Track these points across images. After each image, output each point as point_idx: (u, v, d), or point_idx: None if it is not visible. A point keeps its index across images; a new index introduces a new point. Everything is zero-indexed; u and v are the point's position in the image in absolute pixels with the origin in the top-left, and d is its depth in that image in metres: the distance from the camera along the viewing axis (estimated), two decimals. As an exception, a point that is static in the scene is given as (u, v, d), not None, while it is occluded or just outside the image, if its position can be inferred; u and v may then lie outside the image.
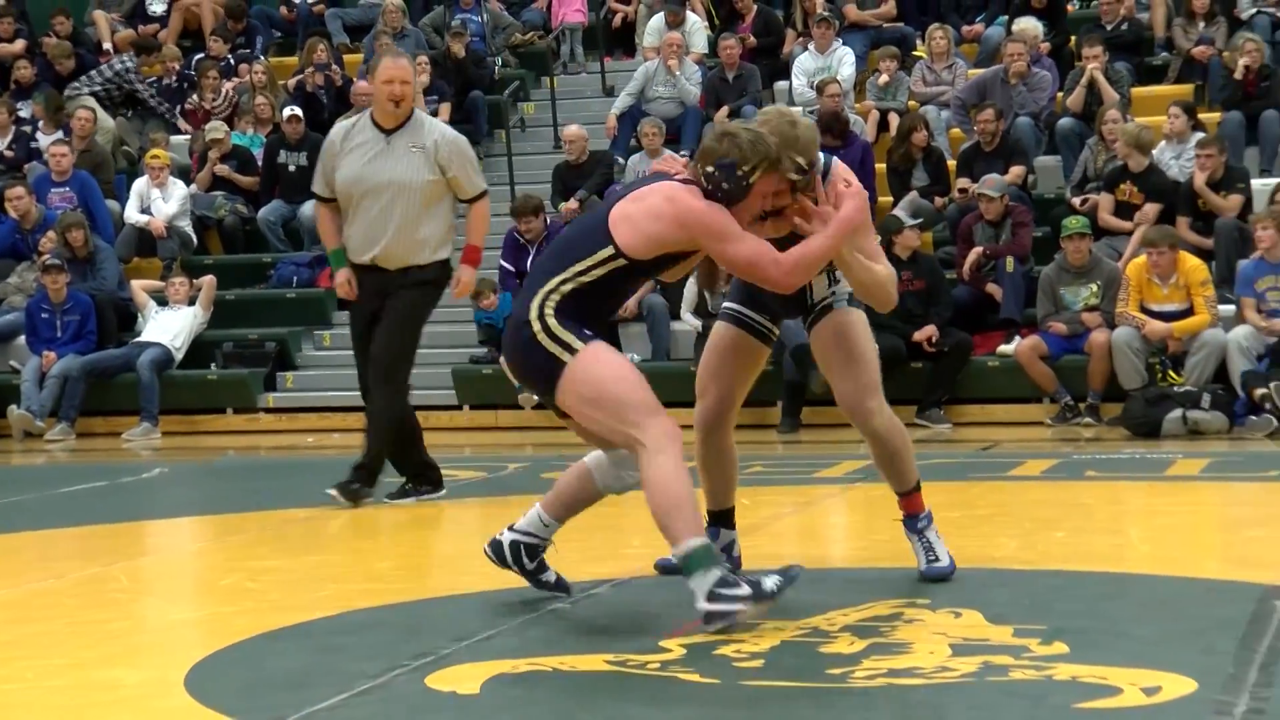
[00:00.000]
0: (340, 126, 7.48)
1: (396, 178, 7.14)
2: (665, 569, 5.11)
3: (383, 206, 7.14)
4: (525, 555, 4.63)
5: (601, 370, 4.31)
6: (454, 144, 7.33)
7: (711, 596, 4.16)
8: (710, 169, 4.43)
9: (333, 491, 7.28)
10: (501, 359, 4.52)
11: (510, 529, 4.65)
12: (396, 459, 7.49)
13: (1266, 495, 7.37)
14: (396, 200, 7.14)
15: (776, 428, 10.83)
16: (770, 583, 4.23)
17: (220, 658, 4.31)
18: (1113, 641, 4.17)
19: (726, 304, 5.00)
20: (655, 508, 4.24)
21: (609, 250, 4.37)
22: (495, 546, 4.67)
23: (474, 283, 7.66)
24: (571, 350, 4.32)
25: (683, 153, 12.81)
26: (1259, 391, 9.81)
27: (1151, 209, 11.22)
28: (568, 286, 4.38)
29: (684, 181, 4.45)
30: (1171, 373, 10.32)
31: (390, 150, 7.18)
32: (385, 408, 7.33)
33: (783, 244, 4.53)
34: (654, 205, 4.37)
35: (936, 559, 5.00)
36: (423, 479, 7.53)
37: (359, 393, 7.62)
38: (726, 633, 4.19)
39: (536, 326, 4.33)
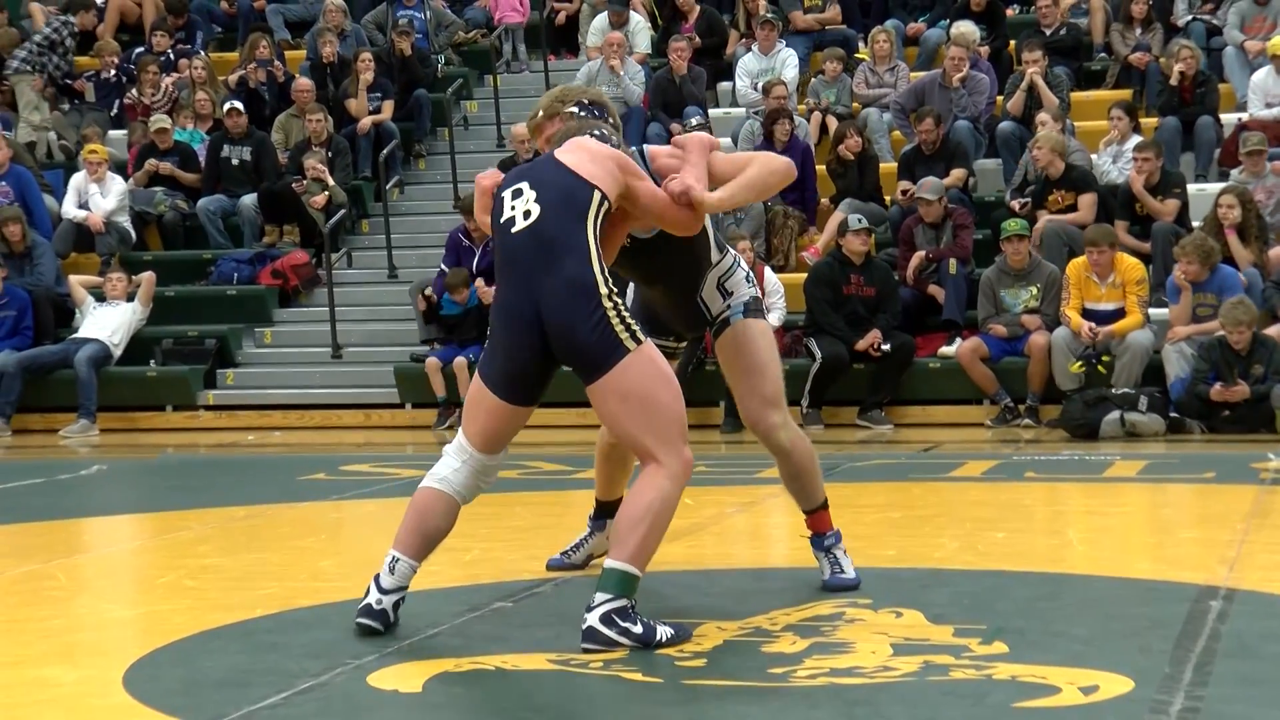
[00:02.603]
0: None
1: None
2: (556, 566, 5.25)
3: None
4: (400, 605, 4.46)
5: (658, 375, 4.27)
6: None
7: (606, 618, 4.13)
8: (598, 133, 4.55)
9: None
10: (553, 344, 4.31)
11: (382, 591, 4.41)
12: None
13: (1202, 497, 7.45)
14: None
15: (719, 428, 10.85)
16: (663, 633, 4.19)
17: (159, 656, 4.28)
18: (1051, 641, 4.21)
19: None
20: (632, 517, 4.20)
21: (598, 195, 4.36)
22: (380, 615, 4.39)
23: None
24: (637, 340, 4.26)
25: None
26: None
27: (1088, 198, 11.29)
28: (599, 240, 4.32)
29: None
30: (1100, 366, 10.40)
31: None
32: None
33: (648, 248, 4.64)
34: (593, 147, 4.43)
35: (843, 571, 4.96)
36: None
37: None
38: (594, 654, 4.10)
39: (609, 304, 4.23)
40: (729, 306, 4.86)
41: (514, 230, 4.38)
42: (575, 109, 4.69)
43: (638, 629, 4.15)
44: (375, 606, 4.43)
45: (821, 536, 4.99)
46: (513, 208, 4.41)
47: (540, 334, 4.29)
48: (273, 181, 13.48)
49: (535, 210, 4.36)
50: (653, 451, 4.25)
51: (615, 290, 4.29)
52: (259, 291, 13.00)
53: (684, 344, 5.09)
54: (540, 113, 4.80)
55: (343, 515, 7.35)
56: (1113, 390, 10.25)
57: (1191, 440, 9.91)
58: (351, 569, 5.79)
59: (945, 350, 11.12)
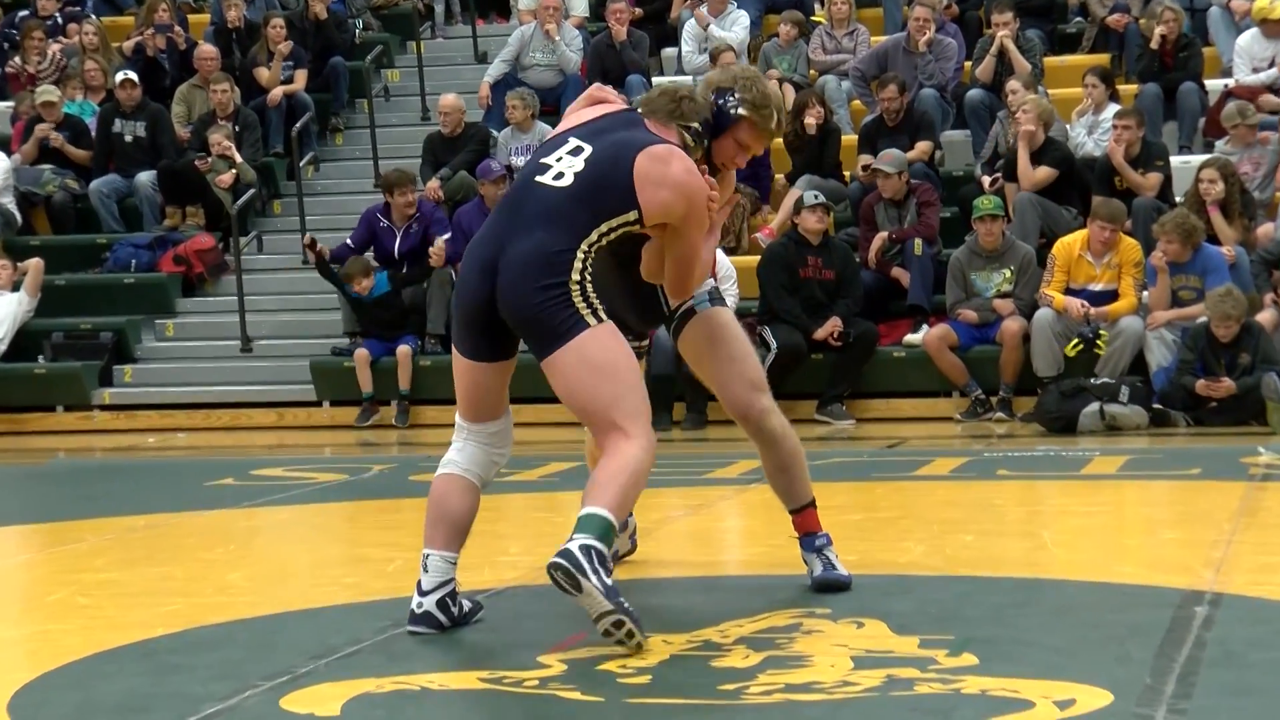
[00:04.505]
0: None
1: None
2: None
3: None
4: (452, 603, 4.62)
5: (620, 351, 4.45)
6: None
7: (585, 550, 4.20)
8: (695, 127, 4.67)
9: None
10: (500, 301, 4.49)
11: (422, 594, 4.57)
12: None
13: (1187, 495, 7.53)
14: None
15: (679, 424, 10.84)
16: (624, 600, 4.25)
17: (49, 680, 4.25)
18: (1024, 652, 4.25)
19: None
20: (611, 471, 4.33)
21: (634, 214, 4.50)
22: (424, 619, 4.57)
23: None
24: (598, 317, 4.42)
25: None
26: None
27: (1044, 172, 11.34)
28: (597, 245, 4.47)
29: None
30: (1099, 346, 10.46)
31: None
32: None
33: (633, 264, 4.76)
34: (677, 174, 4.52)
35: (835, 569, 5.07)
36: None
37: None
38: (562, 594, 4.20)
39: (574, 286, 4.40)
40: (693, 295, 4.95)
41: (539, 180, 4.54)
42: (697, 126, 4.71)
43: (609, 580, 4.22)
44: (416, 611, 4.58)
45: (812, 537, 5.09)
46: (559, 159, 4.56)
47: (492, 285, 4.46)
48: (173, 159, 13.38)
49: (569, 180, 4.51)
50: (620, 424, 4.38)
51: (589, 281, 4.43)
52: (159, 280, 12.90)
53: (644, 338, 5.16)
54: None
55: (254, 524, 7.32)
56: (1092, 380, 10.33)
57: (1176, 433, 10.01)
58: (263, 582, 5.78)
59: (911, 338, 11.17)
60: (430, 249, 11.73)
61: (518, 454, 4.82)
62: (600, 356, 4.40)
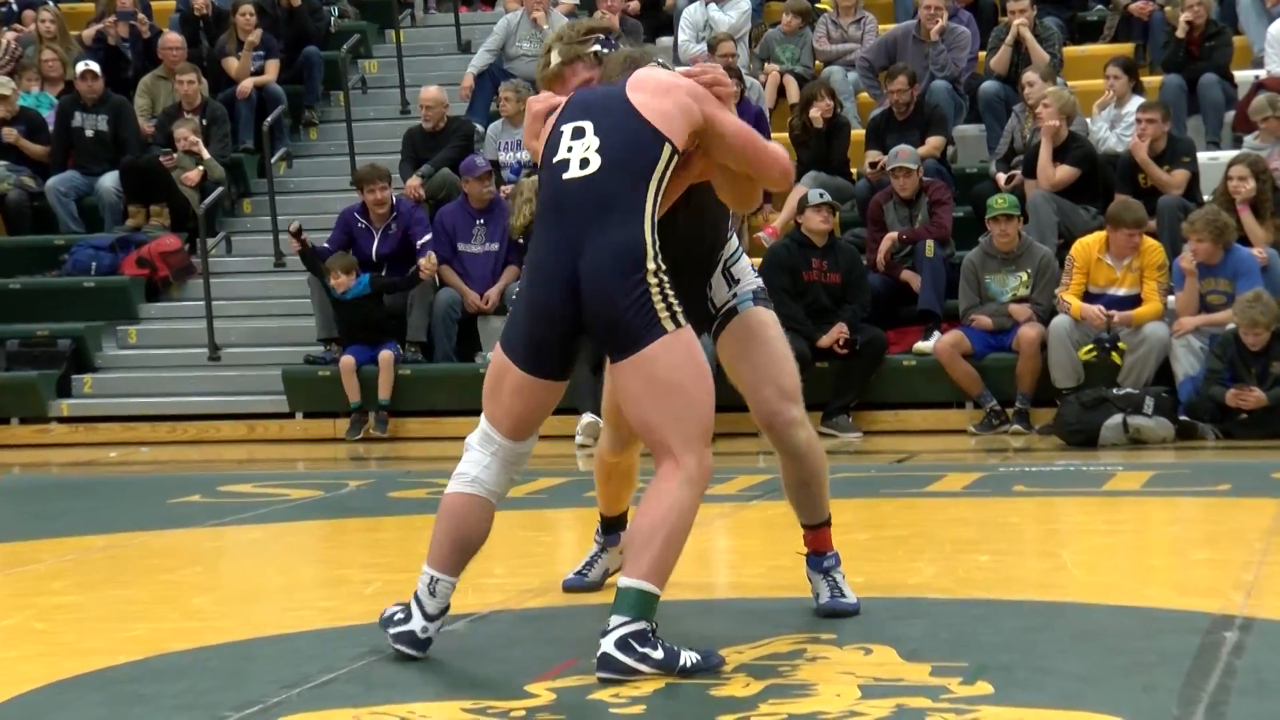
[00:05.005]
0: None
1: None
2: (573, 586, 5.41)
3: None
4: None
5: (693, 365, 4.42)
6: None
7: (622, 643, 4.23)
8: (660, 61, 4.78)
9: None
10: (586, 309, 4.46)
11: (429, 619, 4.55)
12: None
13: (1215, 512, 7.54)
14: None
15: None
16: (687, 658, 4.30)
17: (3, 712, 4.24)
18: (1043, 680, 4.25)
19: None
20: (649, 526, 4.34)
21: (668, 147, 4.50)
22: (426, 645, 4.56)
23: None
24: (677, 322, 4.42)
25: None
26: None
27: (1065, 172, 11.36)
28: (656, 215, 4.46)
29: None
30: (1115, 354, 10.47)
31: None
32: None
33: (664, 223, 4.66)
34: (664, 79, 4.59)
35: (843, 595, 5.08)
36: None
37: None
38: (610, 685, 4.20)
39: (653, 280, 4.40)
40: (735, 295, 4.98)
41: (566, 177, 4.53)
42: (599, 47, 4.80)
43: (658, 654, 4.25)
44: (421, 636, 4.57)
45: (821, 557, 5.10)
46: (569, 149, 4.56)
47: (575, 298, 4.43)
48: (136, 155, 13.38)
49: (595, 161, 4.51)
50: (672, 448, 4.39)
51: (663, 266, 4.43)
52: (121, 283, 12.91)
53: None
54: (556, 59, 4.85)
55: (223, 543, 7.32)
56: (1115, 390, 10.34)
57: (1204, 447, 10.03)
58: (232, 606, 5.78)
59: (921, 346, 11.19)
60: (420, 261, 11.65)
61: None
62: (665, 372, 4.38)
